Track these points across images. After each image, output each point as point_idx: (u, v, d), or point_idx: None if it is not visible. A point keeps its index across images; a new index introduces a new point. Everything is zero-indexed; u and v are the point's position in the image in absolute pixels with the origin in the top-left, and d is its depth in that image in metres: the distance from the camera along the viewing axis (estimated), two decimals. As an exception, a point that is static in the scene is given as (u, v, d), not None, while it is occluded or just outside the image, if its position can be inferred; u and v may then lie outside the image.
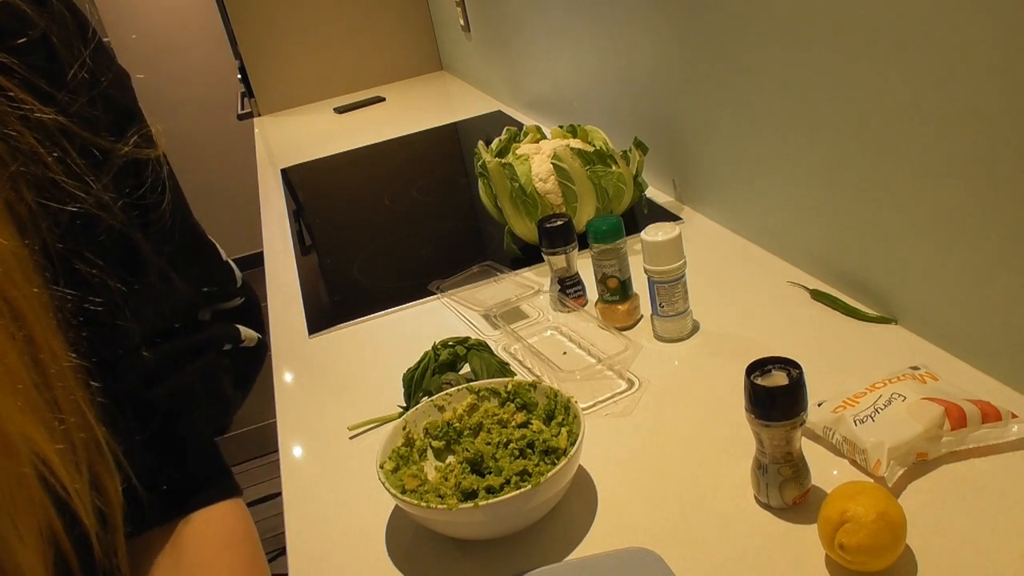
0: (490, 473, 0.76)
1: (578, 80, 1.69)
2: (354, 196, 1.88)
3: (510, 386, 0.85)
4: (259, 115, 2.83)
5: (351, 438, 0.95)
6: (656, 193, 1.44)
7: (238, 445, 2.75)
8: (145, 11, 3.72)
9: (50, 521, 0.45)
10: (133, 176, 0.57)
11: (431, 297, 1.23)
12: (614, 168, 1.25)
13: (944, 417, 0.72)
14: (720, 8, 1.08)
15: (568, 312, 1.09)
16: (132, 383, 0.56)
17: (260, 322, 0.82)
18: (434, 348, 0.96)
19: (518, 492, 0.70)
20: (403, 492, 0.74)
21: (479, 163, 1.30)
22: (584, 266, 1.13)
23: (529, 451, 0.78)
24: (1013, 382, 0.79)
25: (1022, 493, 0.68)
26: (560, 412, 0.81)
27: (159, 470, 0.58)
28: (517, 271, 1.26)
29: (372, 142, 2.22)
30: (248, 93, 2.82)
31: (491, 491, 0.73)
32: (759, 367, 0.69)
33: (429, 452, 0.83)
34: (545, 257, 1.10)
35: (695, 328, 1.01)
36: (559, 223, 1.07)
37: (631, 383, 0.94)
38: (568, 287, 1.11)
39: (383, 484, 0.74)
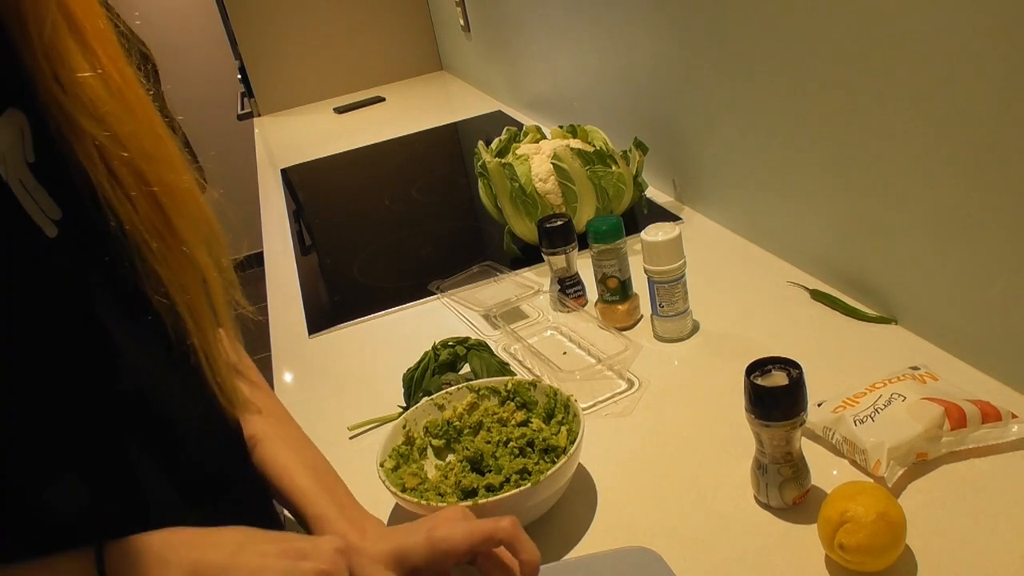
0: (490, 471, 0.76)
1: (578, 80, 1.69)
2: (354, 196, 1.88)
3: (510, 385, 0.85)
4: (259, 115, 2.83)
5: (351, 438, 0.95)
6: (656, 193, 1.44)
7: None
8: (145, 11, 3.72)
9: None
10: None
11: (431, 297, 1.23)
12: (614, 168, 1.25)
13: (944, 417, 0.72)
14: (720, 8, 1.08)
15: (568, 312, 1.09)
16: None
17: None
18: (434, 348, 0.96)
19: (517, 490, 0.70)
20: (403, 490, 0.74)
21: (479, 163, 1.30)
22: (584, 266, 1.13)
23: (529, 449, 0.78)
24: (1013, 382, 0.79)
25: (1022, 493, 0.68)
26: (560, 411, 0.81)
27: None
28: (517, 271, 1.26)
29: (372, 142, 2.22)
30: (248, 93, 2.82)
31: (491, 489, 0.73)
32: (759, 367, 0.69)
33: (429, 451, 0.83)
34: (545, 257, 1.10)
35: (695, 328, 1.01)
36: (559, 223, 1.07)
37: (631, 383, 0.94)
38: (568, 287, 1.11)
39: (383, 482, 0.75)
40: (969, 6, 0.71)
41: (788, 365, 0.68)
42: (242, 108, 2.84)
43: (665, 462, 0.80)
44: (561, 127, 1.41)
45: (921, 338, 0.90)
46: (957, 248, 0.81)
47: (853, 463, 0.75)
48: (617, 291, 1.03)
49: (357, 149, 2.19)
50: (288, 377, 1.12)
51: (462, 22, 2.45)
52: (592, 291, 1.10)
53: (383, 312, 1.22)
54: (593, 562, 0.69)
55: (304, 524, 0.69)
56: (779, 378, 0.68)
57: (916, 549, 0.65)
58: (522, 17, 1.92)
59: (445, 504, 0.70)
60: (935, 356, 0.87)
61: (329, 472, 0.73)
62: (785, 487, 0.70)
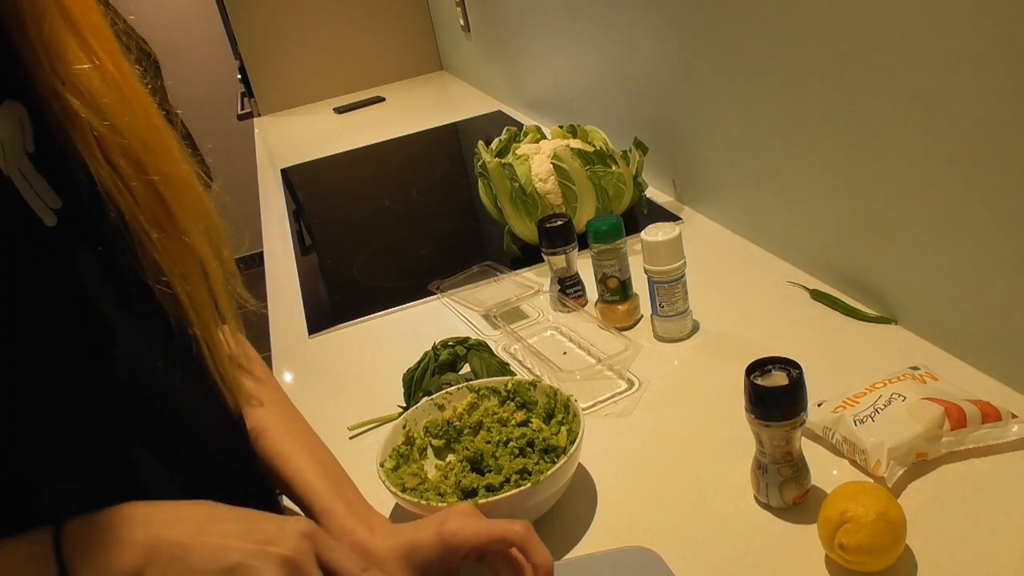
0: (490, 471, 0.76)
1: (578, 80, 1.69)
2: (354, 196, 1.88)
3: (510, 385, 0.85)
4: (259, 115, 2.83)
5: (351, 438, 0.95)
6: (656, 193, 1.44)
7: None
8: (145, 11, 3.72)
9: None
10: None
11: (431, 297, 1.23)
12: (614, 168, 1.25)
13: (944, 417, 0.72)
14: (720, 8, 1.08)
15: (568, 312, 1.09)
16: None
17: None
18: (434, 348, 0.96)
19: (517, 490, 0.70)
20: (403, 490, 0.74)
21: (479, 163, 1.30)
22: (584, 266, 1.13)
23: (529, 449, 0.78)
24: (1013, 382, 0.79)
25: (1022, 493, 0.68)
26: (560, 411, 0.81)
27: None
28: (517, 271, 1.26)
29: (372, 142, 2.22)
30: (248, 93, 2.82)
31: (491, 489, 0.74)
32: (759, 367, 0.69)
33: (429, 451, 0.83)
34: (545, 257, 1.10)
35: (695, 328, 1.01)
36: (559, 223, 1.07)
37: (631, 383, 0.94)
38: (568, 287, 1.11)
39: (383, 482, 0.75)
40: (969, 6, 0.71)
41: (788, 365, 0.68)
42: (242, 108, 2.84)
43: (665, 462, 0.80)
44: (561, 127, 1.41)
45: (921, 338, 0.90)
46: (957, 248, 0.81)
47: (853, 463, 0.75)
48: (617, 291, 1.03)
49: (357, 149, 2.19)
50: (288, 377, 1.12)
51: (462, 22, 2.45)
52: (592, 291, 1.10)
53: (383, 312, 1.22)
54: (592, 562, 0.69)
55: (311, 519, 0.68)
56: (779, 378, 0.68)
57: (916, 549, 0.65)
58: (522, 17, 1.92)
59: (445, 504, 0.70)
60: (935, 356, 0.87)
61: (336, 467, 0.73)
62: (785, 487, 0.70)
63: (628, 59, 1.41)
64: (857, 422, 0.74)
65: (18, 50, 0.48)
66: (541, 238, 1.08)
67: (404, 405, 0.94)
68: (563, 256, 1.09)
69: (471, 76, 2.64)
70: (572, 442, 0.75)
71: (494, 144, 1.40)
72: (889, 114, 0.84)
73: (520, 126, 1.56)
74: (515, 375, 0.95)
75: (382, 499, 0.83)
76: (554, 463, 0.74)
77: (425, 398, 0.86)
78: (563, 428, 0.79)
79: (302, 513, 0.69)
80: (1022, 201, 0.72)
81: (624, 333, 1.02)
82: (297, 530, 0.51)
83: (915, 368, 0.81)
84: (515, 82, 2.18)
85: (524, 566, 0.61)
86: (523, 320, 1.12)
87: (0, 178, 0.47)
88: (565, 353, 1.03)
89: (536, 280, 1.21)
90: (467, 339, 0.97)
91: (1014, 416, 0.74)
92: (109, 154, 0.51)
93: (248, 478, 0.68)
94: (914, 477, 0.72)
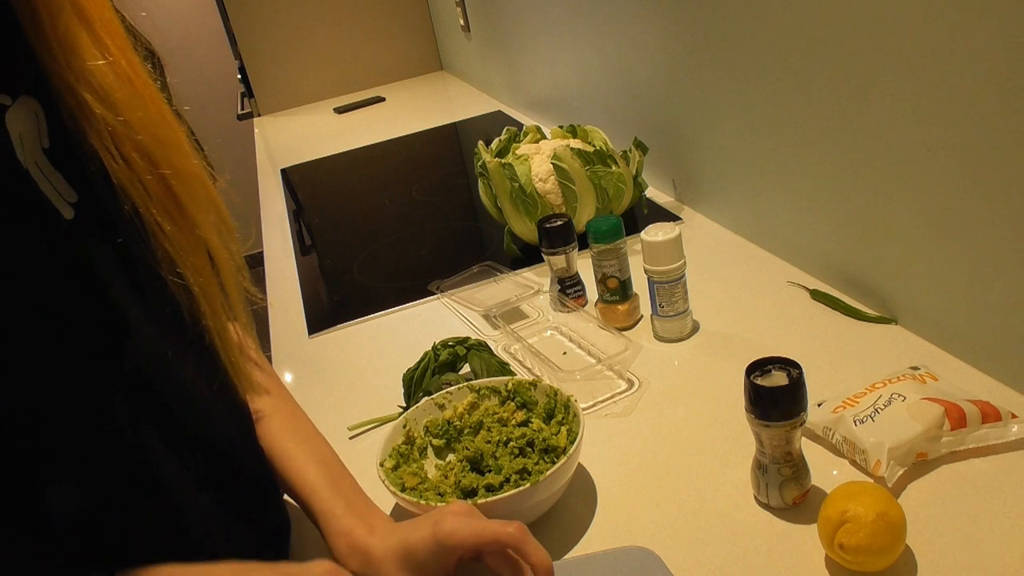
0: (490, 471, 0.76)
1: (578, 80, 1.69)
2: (354, 196, 1.88)
3: (510, 385, 0.85)
4: (259, 115, 2.83)
5: (351, 438, 0.95)
6: (656, 193, 1.44)
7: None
8: (145, 11, 3.71)
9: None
10: None
11: (431, 297, 1.23)
12: (614, 168, 1.25)
13: (944, 417, 0.72)
14: (720, 8, 1.08)
15: (568, 312, 1.09)
16: None
17: None
18: (434, 348, 0.96)
19: (515, 491, 0.70)
20: (403, 490, 0.74)
21: (479, 163, 1.30)
22: (584, 266, 1.13)
23: (529, 449, 0.78)
24: (1013, 382, 0.79)
25: (1022, 493, 0.68)
26: (560, 411, 0.81)
27: None
28: (517, 271, 1.26)
29: (372, 142, 2.22)
30: (248, 93, 2.82)
31: (491, 489, 0.74)
32: (759, 367, 0.69)
33: (429, 450, 0.83)
34: (545, 257, 1.10)
35: (695, 328, 1.01)
36: (559, 223, 1.07)
37: (631, 383, 0.94)
38: (568, 287, 1.11)
39: (383, 482, 0.75)
40: (972, 7, 0.71)
41: (788, 365, 0.68)
42: (242, 108, 2.84)
43: (665, 462, 0.80)
44: (561, 127, 1.41)
45: (921, 338, 0.90)
46: (957, 248, 0.81)
47: (853, 463, 0.75)
48: (617, 291, 1.03)
49: (357, 149, 2.19)
50: (288, 377, 1.12)
51: (462, 22, 2.45)
52: (592, 291, 1.10)
53: (383, 312, 1.22)
54: (591, 561, 0.69)
55: (311, 518, 0.69)
56: (779, 378, 0.68)
57: (916, 549, 0.65)
58: (522, 17, 1.92)
59: (444, 504, 0.70)
60: (935, 356, 0.87)
61: (336, 464, 0.73)
62: (785, 487, 0.70)
63: (628, 59, 1.41)
64: (857, 422, 0.74)
65: (33, 46, 0.49)
66: (541, 238, 1.08)
67: (404, 405, 0.94)
68: (563, 256, 1.09)
69: (471, 76, 2.64)
70: (572, 442, 0.75)
71: (494, 144, 1.40)
72: (889, 114, 0.84)
73: (520, 126, 1.56)
74: (515, 375, 0.95)
75: (382, 499, 0.83)
76: (554, 463, 0.74)
77: (425, 398, 0.86)
78: (563, 428, 0.79)
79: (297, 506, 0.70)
80: (1022, 201, 0.72)
81: (624, 333, 1.02)
82: (321, 570, 0.56)
83: (915, 368, 0.81)
84: (515, 82, 2.18)
85: (524, 565, 0.61)
86: (523, 320, 1.12)
87: (19, 171, 0.48)
88: (565, 353, 1.03)
89: (536, 280, 1.21)
90: (467, 339, 0.97)
91: (1014, 416, 0.74)
92: (122, 148, 0.51)
93: (253, 467, 0.68)
94: (914, 477, 0.72)
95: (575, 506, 0.77)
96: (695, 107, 1.23)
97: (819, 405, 0.79)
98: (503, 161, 1.28)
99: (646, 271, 0.97)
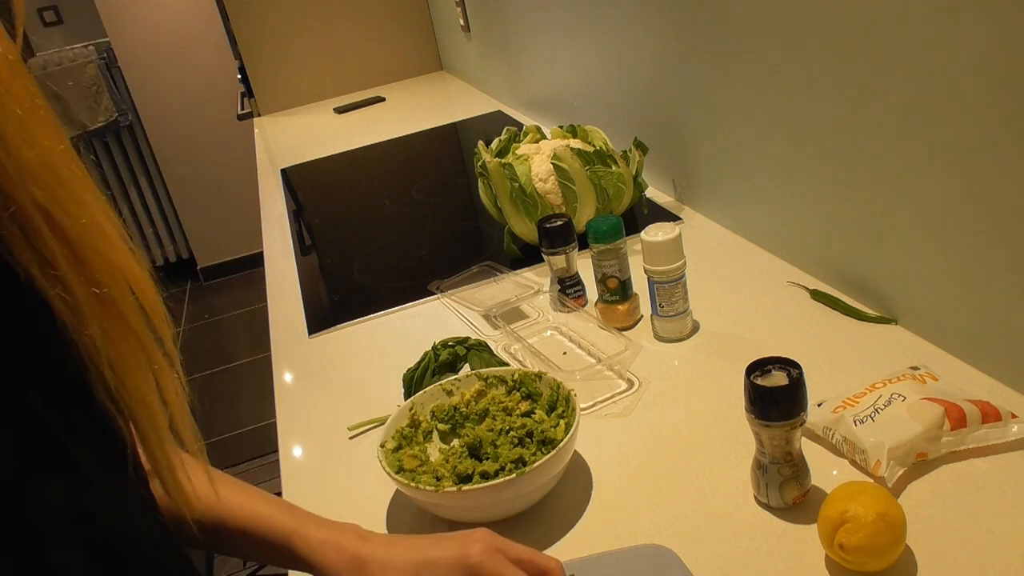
0: (487, 459, 0.77)
1: (578, 80, 1.69)
2: (354, 196, 1.88)
3: (516, 375, 0.87)
4: (259, 115, 2.83)
5: (351, 438, 0.95)
6: (656, 193, 1.44)
7: (238, 445, 2.75)
8: (146, 11, 3.72)
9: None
10: None
11: (431, 297, 1.23)
12: (614, 168, 1.25)
13: (944, 417, 0.72)
14: (720, 8, 1.08)
15: (568, 312, 1.09)
16: None
17: None
18: (434, 348, 0.96)
19: (502, 479, 0.71)
20: (398, 472, 0.75)
21: (479, 163, 1.30)
22: (584, 266, 1.13)
23: (528, 440, 0.79)
24: (1013, 382, 0.79)
25: (1022, 493, 0.68)
26: (561, 404, 0.82)
27: None
28: (517, 271, 1.26)
29: (372, 142, 2.22)
30: (248, 93, 2.82)
31: (485, 476, 0.75)
32: (759, 367, 0.69)
33: (435, 434, 0.85)
34: (545, 257, 1.10)
35: (695, 328, 1.01)
36: (559, 223, 1.07)
37: (631, 383, 0.94)
38: (568, 287, 1.11)
39: (380, 463, 0.76)
40: (969, 6, 0.71)
41: (788, 365, 0.68)
42: (242, 108, 2.84)
43: (665, 462, 0.80)
44: (561, 127, 1.41)
45: (921, 338, 0.90)
46: (957, 248, 0.81)
47: (853, 463, 0.75)
48: (617, 291, 1.03)
49: (357, 149, 2.19)
50: (288, 377, 1.12)
51: (462, 22, 2.45)
52: (592, 291, 1.10)
53: (383, 312, 1.22)
54: (609, 559, 0.69)
55: (278, 548, 0.65)
56: (779, 378, 0.68)
57: (916, 549, 0.65)
58: (522, 17, 1.92)
59: (435, 489, 0.71)
60: (935, 356, 0.87)
61: (291, 504, 0.69)
62: (785, 487, 0.70)
63: (628, 59, 1.41)
64: (857, 422, 0.74)
65: None
66: (541, 238, 1.08)
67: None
68: (563, 256, 1.09)
69: (471, 76, 2.64)
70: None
71: (494, 144, 1.40)
72: (889, 114, 0.84)
73: (520, 126, 1.56)
74: (515, 375, 0.95)
75: (379, 497, 0.83)
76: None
77: (435, 382, 0.88)
78: (562, 422, 0.80)
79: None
80: (1022, 201, 0.72)
81: (624, 333, 1.02)
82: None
83: (915, 368, 0.81)
84: (515, 82, 2.18)
85: None
86: (523, 320, 1.12)
87: None
88: (565, 353, 1.03)
89: (536, 280, 1.21)
90: (467, 339, 0.97)
91: (1014, 416, 0.74)
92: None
93: None
94: (914, 477, 0.72)
95: (576, 506, 0.77)
96: (695, 107, 1.23)
97: (819, 405, 0.79)
98: (503, 161, 1.28)
99: (646, 271, 0.97)
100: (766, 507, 0.72)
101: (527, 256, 1.29)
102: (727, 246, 1.21)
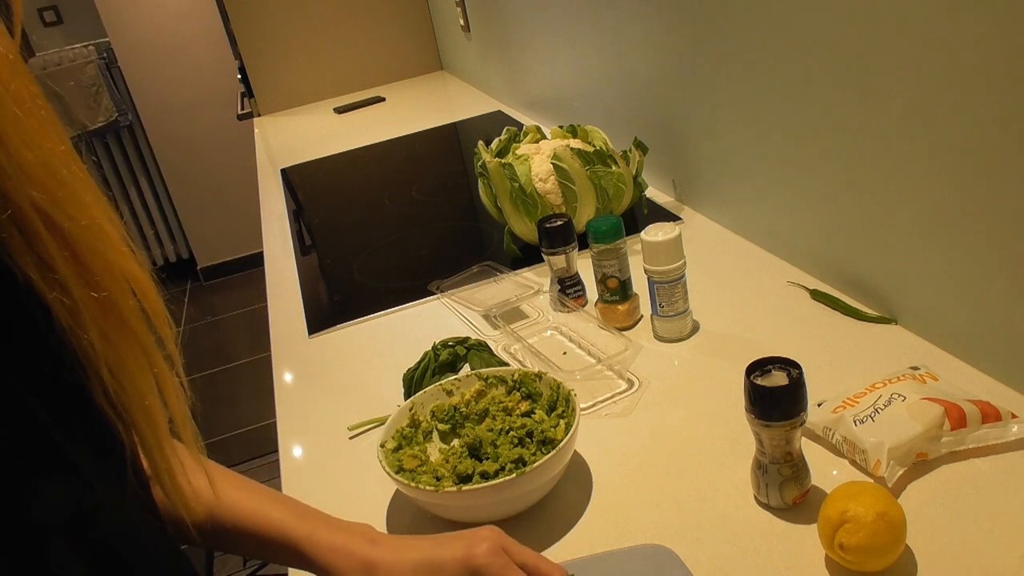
0: (487, 459, 0.77)
1: (578, 80, 1.69)
2: (354, 196, 1.88)
3: (516, 375, 0.87)
4: (259, 115, 2.83)
5: (351, 438, 0.95)
6: (656, 193, 1.44)
7: (238, 445, 2.75)
8: (146, 11, 3.72)
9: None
10: None
11: (431, 297, 1.23)
12: (614, 168, 1.25)
13: (944, 417, 0.72)
14: (720, 8, 1.08)
15: (568, 312, 1.09)
16: None
17: None
18: (434, 348, 0.96)
19: (502, 479, 0.71)
20: (398, 471, 0.75)
21: (479, 163, 1.30)
22: (584, 266, 1.13)
23: (528, 440, 0.79)
24: (1013, 382, 0.79)
25: (1022, 493, 0.68)
26: (561, 404, 0.82)
27: None
28: (517, 271, 1.26)
29: (372, 142, 2.22)
30: (248, 93, 2.82)
31: (485, 476, 0.75)
32: (759, 367, 0.69)
33: (435, 434, 0.85)
34: (545, 257, 1.10)
35: (695, 328, 1.01)
36: (559, 223, 1.07)
37: (631, 383, 0.94)
38: (568, 287, 1.11)
39: (380, 463, 0.76)
40: (969, 7, 0.71)
41: (788, 365, 0.68)
42: (242, 108, 2.84)
43: (665, 462, 0.80)
44: (561, 127, 1.41)
45: (921, 338, 0.90)
46: (957, 248, 0.81)
47: (853, 463, 0.75)
48: (617, 291, 1.03)
49: (357, 149, 2.19)
50: (288, 377, 1.12)
51: (462, 22, 2.45)
52: (592, 291, 1.10)
53: (383, 312, 1.22)
54: (609, 559, 0.69)
55: (289, 553, 0.65)
56: (779, 378, 0.68)
57: (916, 549, 0.65)
58: (522, 17, 1.92)
59: (435, 489, 0.71)
60: (935, 356, 0.87)
61: (300, 503, 0.69)
62: (785, 487, 0.70)
63: (628, 59, 1.41)
64: (857, 422, 0.74)
65: None
66: (541, 238, 1.08)
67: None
68: (563, 256, 1.09)
69: (471, 76, 2.64)
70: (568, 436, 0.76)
71: (494, 144, 1.40)
72: (889, 114, 0.84)
73: (520, 126, 1.56)
74: (515, 375, 0.95)
75: (379, 497, 0.83)
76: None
77: (435, 382, 0.88)
78: (562, 422, 0.80)
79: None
80: (1022, 201, 0.72)
81: (624, 333, 1.02)
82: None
83: (915, 368, 0.81)
84: (515, 82, 2.18)
85: None
86: (523, 320, 1.12)
87: None
88: (565, 353, 1.03)
89: (536, 280, 1.21)
90: (467, 339, 0.97)
91: (1014, 416, 0.74)
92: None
93: None
94: (914, 477, 0.72)
95: (575, 506, 0.77)
96: (695, 107, 1.23)
97: (819, 405, 0.79)
98: (503, 161, 1.28)
99: (646, 271, 0.97)
100: (766, 507, 0.72)
101: (527, 256, 1.29)
102: (727, 246, 1.21)
